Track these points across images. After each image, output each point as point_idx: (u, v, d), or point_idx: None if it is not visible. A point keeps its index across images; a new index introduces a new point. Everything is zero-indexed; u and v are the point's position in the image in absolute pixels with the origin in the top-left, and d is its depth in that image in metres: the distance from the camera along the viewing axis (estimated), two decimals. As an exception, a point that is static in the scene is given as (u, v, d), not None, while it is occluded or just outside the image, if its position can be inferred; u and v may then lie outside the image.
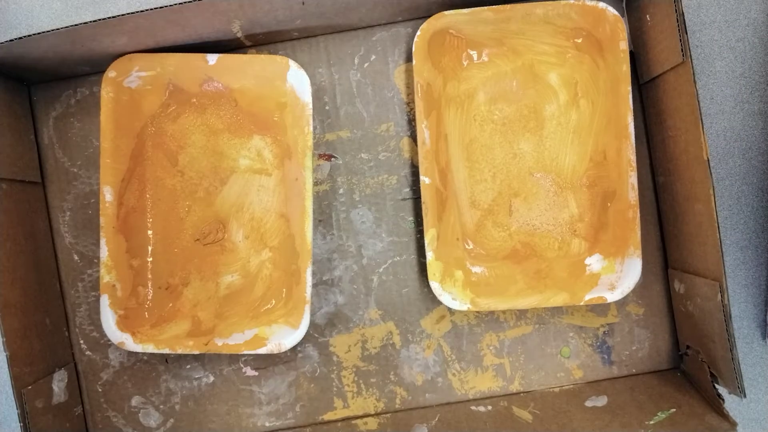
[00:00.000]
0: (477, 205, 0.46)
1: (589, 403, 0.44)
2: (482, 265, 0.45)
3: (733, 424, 0.39)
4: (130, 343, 0.42)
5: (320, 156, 0.47)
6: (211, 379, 0.47)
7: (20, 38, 0.39)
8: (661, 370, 0.47)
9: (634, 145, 0.42)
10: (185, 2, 0.38)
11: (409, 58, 0.46)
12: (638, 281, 0.43)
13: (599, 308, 0.46)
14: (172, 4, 0.38)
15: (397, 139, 0.47)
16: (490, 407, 0.46)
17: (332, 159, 0.47)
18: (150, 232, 0.45)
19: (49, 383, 0.43)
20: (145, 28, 0.40)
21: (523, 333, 0.47)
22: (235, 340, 0.43)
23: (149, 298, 0.45)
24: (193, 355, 0.46)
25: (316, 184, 0.46)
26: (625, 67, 0.42)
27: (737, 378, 0.38)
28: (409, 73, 0.46)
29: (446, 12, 0.43)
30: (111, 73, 0.43)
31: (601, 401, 0.44)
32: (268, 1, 0.40)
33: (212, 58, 0.43)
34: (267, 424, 0.47)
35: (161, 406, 0.47)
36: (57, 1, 0.47)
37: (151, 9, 0.38)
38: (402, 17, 0.46)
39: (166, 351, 0.42)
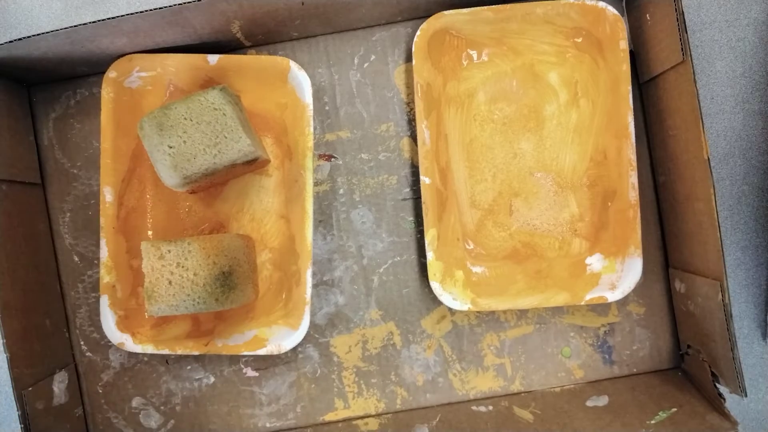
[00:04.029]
0: (477, 205, 0.46)
1: (590, 403, 0.44)
2: (483, 265, 0.45)
3: (734, 424, 0.39)
4: (130, 344, 0.42)
5: (320, 156, 0.47)
6: (212, 379, 0.47)
7: (20, 39, 0.39)
8: (662, 369, 0.47)
9: (634, 144, 0.43)
10: (185, 3, 0.38)
11: (408, 58, 0.46)
12: (639, 281, 0.43)
13: (600, 308, 0.46)
14: (171, 4, 0.38)
15: (397, 139, 0.47)
16: (491, 407, 0.46)
17: (332, 159, 0.47)
18: (150, 232, 0.45)
19: (50, 384, 0.43)
20: (145, 28, 0.40)
21: (523, 333, 0.46)
22: (235, 341, 0.43)
23: (149, 298, 0.45)
24: (194, 356, 0.46)
25: (316, 184, 0.46)
26: (625, 67, 0.42)
27: (738, 377, 0.38)
28: (409, 73, 0.46)
29: (446, 12, 0.43)
30: (111, 73, 0.43)
31: (602, 401, 0.44)
32: (267, 1, 0.40)
33: (213, 59, 0.43)
34: (268, 425, 0.47)
35: (162, 407, 0.47)
36: (57, 1, 0.47)
37: (151, 10, 0.38)
38: (402, 17, 0.46)
39: (166, 352, 0.42)
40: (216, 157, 0.38)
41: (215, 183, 0.44)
